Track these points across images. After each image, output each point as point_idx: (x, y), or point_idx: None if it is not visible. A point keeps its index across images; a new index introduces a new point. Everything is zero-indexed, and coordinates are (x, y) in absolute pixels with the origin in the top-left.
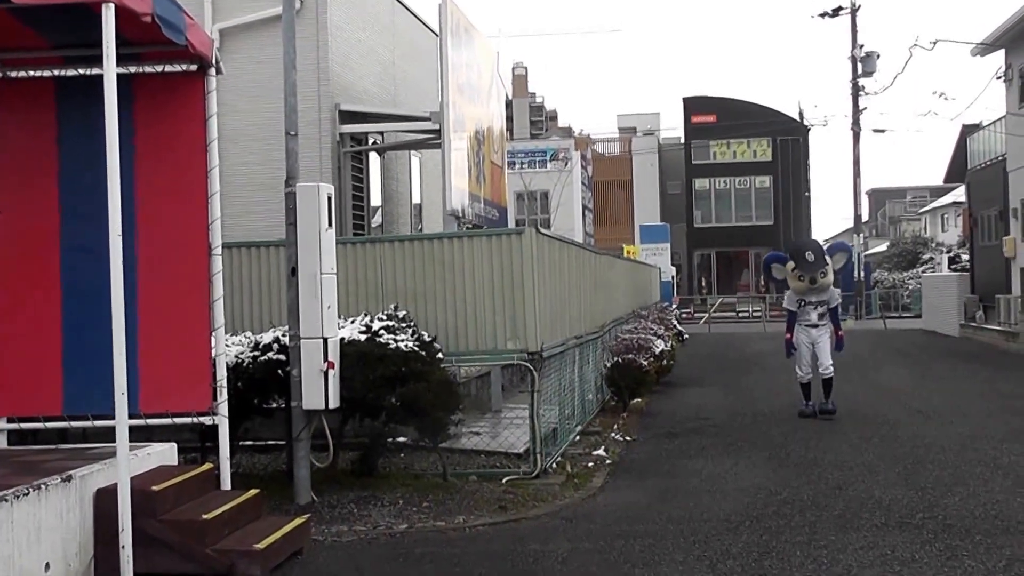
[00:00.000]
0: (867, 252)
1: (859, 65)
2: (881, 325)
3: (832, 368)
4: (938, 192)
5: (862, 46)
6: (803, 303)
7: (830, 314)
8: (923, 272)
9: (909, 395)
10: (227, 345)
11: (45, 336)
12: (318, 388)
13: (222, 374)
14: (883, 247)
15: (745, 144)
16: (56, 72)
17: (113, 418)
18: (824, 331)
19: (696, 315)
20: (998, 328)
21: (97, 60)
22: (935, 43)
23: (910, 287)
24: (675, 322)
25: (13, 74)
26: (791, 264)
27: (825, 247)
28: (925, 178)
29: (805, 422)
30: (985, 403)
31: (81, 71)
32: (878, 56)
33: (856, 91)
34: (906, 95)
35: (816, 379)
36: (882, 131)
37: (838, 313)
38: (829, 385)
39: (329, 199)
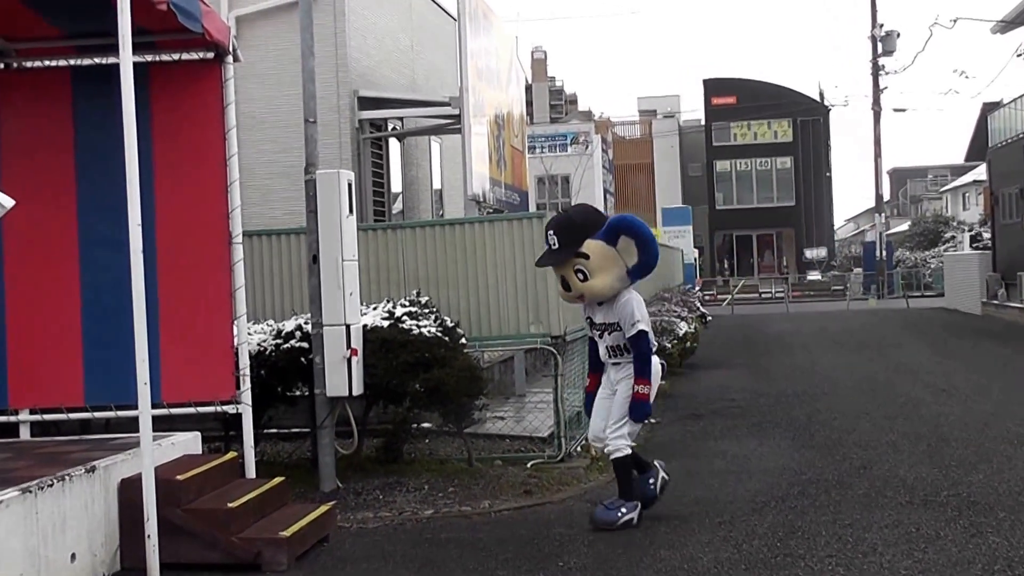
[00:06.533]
0: (889, 231)
1: (879, 45)
2: (903, 304)
3: (622, 445)
4: (959, 171)
5: (882, 25)
6: (590, 323)
7: (631, 345)
8: (945, 251)
9: (931, 374)
10: (249, 333)
11: (66, 327)
12: (341, 375)
13: (245, 362)
14: (905, 226)
15: (766, 125)
16: (71, 62)
17: (136, 408)
18: (626, 375)
19: (719, 297)
20: (1020, 306)
21: (112, 49)
22: (955, 21)
23: (932, 266)
24: (698, 304)
25: (28, 64)
26: None
27: (607, 223)
28: (946, 157)
29: (829, 401)
30: (1007, 380)
31: (97, 60)
32: (898, 35)
33: (876, 71)
34: (926, 74)
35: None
36: (903, 110)
37: (644, 348)
38: (621, 476)
39: (349, 186)
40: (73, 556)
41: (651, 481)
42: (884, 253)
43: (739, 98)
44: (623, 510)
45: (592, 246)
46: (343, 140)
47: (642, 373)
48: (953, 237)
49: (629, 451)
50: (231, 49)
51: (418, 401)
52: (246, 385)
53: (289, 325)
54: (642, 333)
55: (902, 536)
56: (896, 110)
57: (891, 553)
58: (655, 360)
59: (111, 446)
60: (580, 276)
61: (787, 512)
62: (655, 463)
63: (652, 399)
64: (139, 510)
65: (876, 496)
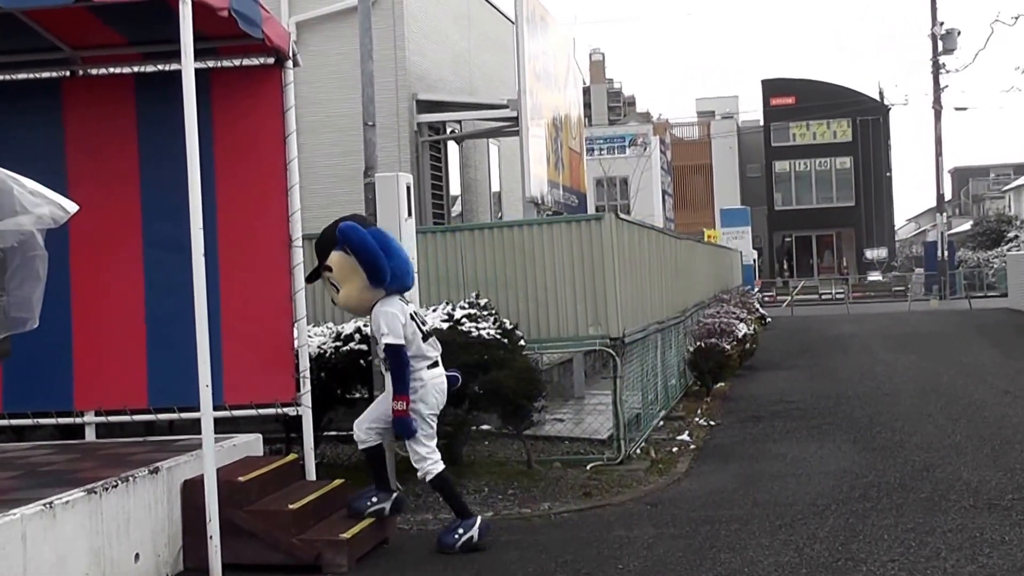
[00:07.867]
0: (950, 231)
1: (939, 43)
2: (966, 305)
3: (428, 467)
4: (1022, 169)
5: (942, 23)
6: None
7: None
8: (1008, 250)
9: (995, 375)
10: (309, 336)
11: (130, 329)
12: None
13: (305, 365)
14: (967, 226)
15: (825, 125)
16: (135, 68)
17: (198, 410)
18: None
19: (778, 298)
20: None
21: (175, 55)
22: (1016, 18)
23: (995, 266)
24: (757, 305)
25: (93, 71)
26: None
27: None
28: (1008, 155)
29: (890, 403)
30: None
31: (159, 67)
32: (958, 33)
33: (936, 69)
34: (988, 72)
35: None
36: (964, 109)
37: (396, 361)
38: (446, 496)
39: (408, 189)
40: (137, 556)
41: (373, 499)
42: (946, 253)
43: (798, 98)
44: (460, 531)
45: (334, 258)
46: (402, 143)
47: (395, 389)
48: (1016, 236)
49: (440, 467)
50: (291, 54)
51: (477, 403)
52: (306, 387)
53: (348, 327)
54: (390, 347)
55: (966, 540)
56: (957, 108)
57: (955, 558)
58: (432, 374)
59: (174, 447)
60: (335, 289)
61: (848, 515)
62: (394, 489)
63: (415, 415)
64: (201, 511)
65: (939, 499)
